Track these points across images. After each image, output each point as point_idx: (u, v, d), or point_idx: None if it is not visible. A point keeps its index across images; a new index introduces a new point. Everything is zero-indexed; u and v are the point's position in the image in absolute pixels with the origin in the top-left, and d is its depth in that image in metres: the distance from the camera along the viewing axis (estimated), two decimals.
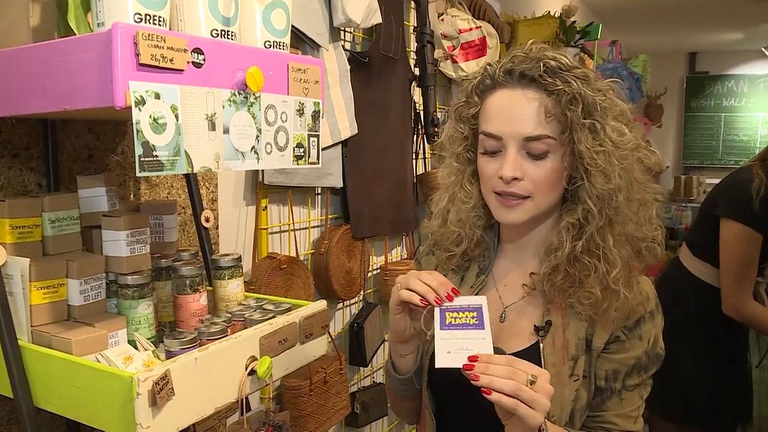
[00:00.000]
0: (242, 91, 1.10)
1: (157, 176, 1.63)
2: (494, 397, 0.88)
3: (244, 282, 1.95)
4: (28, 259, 1.11)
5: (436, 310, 1.00)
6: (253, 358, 1.17)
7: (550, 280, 1.07)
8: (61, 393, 1.07)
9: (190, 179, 1.56)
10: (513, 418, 0.91)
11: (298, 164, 1.26)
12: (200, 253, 1.53)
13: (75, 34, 1.02)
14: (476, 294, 1.15)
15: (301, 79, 1.24)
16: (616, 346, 1.07)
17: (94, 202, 1.32)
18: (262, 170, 1.96)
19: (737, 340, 2.33)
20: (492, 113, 1.06)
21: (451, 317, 0.99)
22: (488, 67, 1.10)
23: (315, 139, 1.30)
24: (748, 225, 2.13)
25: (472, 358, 0.91)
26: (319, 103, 1.30)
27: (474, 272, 1.18)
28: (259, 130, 1.15)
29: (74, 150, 1.42)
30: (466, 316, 0.99)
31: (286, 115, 1.21)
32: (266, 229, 2.05)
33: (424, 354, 1.17)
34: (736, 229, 2.15)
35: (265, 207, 2.04)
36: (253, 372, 1.16)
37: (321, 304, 1.37)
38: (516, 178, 1.02)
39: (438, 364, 0.95)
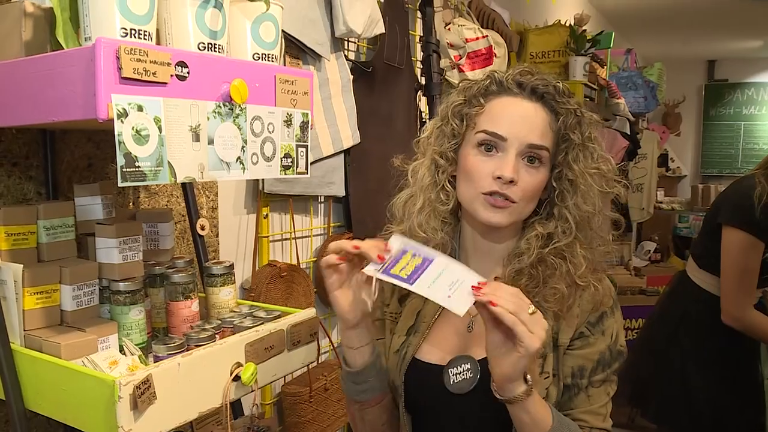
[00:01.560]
0: (227, 103, 1.13)
1: (156, 185, 1.67)
2: (498, 309, 0.88)
3: (245, 289, 1.99)
4: (21, 265, 1.15)
5: (381, 277, 0.97)
6: (238, 365, 1.19)
7: (514, 283, 1.08)
8: (49, 396, 1.10)
9: (187, 188, 1.60)
10: (505, 351, 0.92)
11: (285, 174, 1.28)
12: (195, 261, 1.56)
13: (64, 49, 1.05)
14: (441, 309, 1.16)
15: (288, 91, 1.27)
16: (580, 342, 1.09)
17: (90, 210, 1.36)
18: (262, 179, 1.99)
19: (746, 350, 2.31)
20: (499, 115, 1.09)
21: (399, 271, 0.96)
22: (495, 74, 1.13)
23: (303, 149, 1.32)
24: (749, 233, 2.11)
25: (477, 287, 0.92)
26: (307, 113, 1.32)
27: None
28: (245, 141, 1.17)
29: (73, 159, 1.46)
30: (407, 261, 0.97)
31: (273, 126, 1.24)
32: (267, 237, 2.08)
33: (396, 373, 1.17)
34: (738, 237, 2.14)
35: (266, 215, 2.07)
36: (237, 378, 1.18)
37: (309, 312, 1.39)
38: (512, 181, 1.05)
39: (462, 313, 0.92)
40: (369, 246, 1.00)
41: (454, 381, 1.08)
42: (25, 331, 1.16)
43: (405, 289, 0.96)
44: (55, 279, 1.20)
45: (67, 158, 1.45)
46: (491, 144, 1.08)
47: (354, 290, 1.05)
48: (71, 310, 1.21)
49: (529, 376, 0.97)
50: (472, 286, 0.92)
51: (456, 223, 1.19)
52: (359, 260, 1.02)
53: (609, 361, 1.11)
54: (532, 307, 0.91)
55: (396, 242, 1.00)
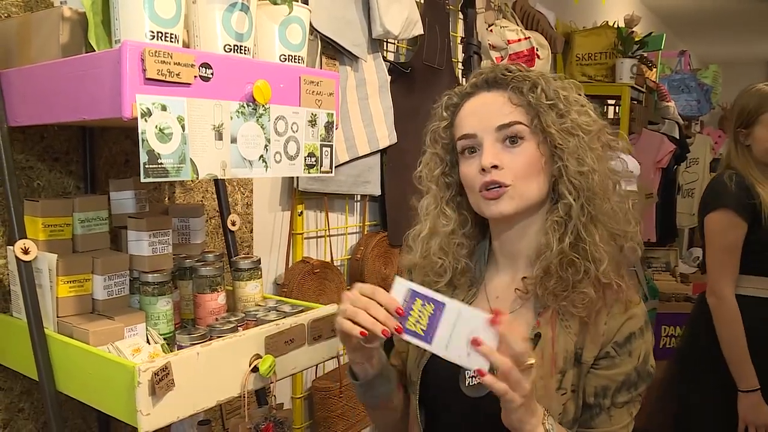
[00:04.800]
0: (251, 103, 1.17)
1: (191, 181, 1.73)
2: (487, 380, 0.90)
3: (278, 284, 2.04)
4: (56, 255, 1.21)
5: (406, 337, 0.97)
6: (257, 356, 1.23)
7: (543, 283, 1.08)
8: (78, 379, 1.16)
9: (219, 185, 1.65)
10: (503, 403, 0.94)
11: (309, 173, 1.32)
12: (226, 255, 1.61)
13: (96, 51, 1.11)
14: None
15: (313, 91, 1.30)
16: (606, 362, 1.07)
17: (125, 204, 1.42)
18: (297, 177, 2.04)
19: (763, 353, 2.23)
20: (463, 118, 1.13)
21: (413, 324, 0.96)
22: (455, 88, 1.18)
23: (328, 149, 1.36)
24: (728, 208, 2.16)
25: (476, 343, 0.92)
26: (332, 114, 1.35)
27: (465, 285, 1.19)
28: (268, 140, 1.21)
29: (111, 155, 1.53)
30: (418, 310, 0.96)
31: (297, 126, 1.27)
32: (301, 234, 2.12)
33: (414, 368, 1.19)
34: (718, 217, 2.19)
35: (301, 212, 2.11)
36: (256, 369, 1.22)
37: (331, 308, 1.42)
38: (495, 166, 1.06)
39: (472, 371, 0.94)
40: (384, 319, 0.97)
41: (469, 383, 1.09)
42: (58, 317, 1.23)
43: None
44: (88, 269, 1.26)
45: (105, 154, 1.52)
46: (471, 147, 1.11)
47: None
48: (102, 299, 1.27)
49: (549, 423, 0.98)
50: (472, 339, 0.92)
51: (477, 242, 1.21)
52: None
53: (635, 383, 1.09)
54: (531, 360, 0.91)
55: (400, 286, 0.98)
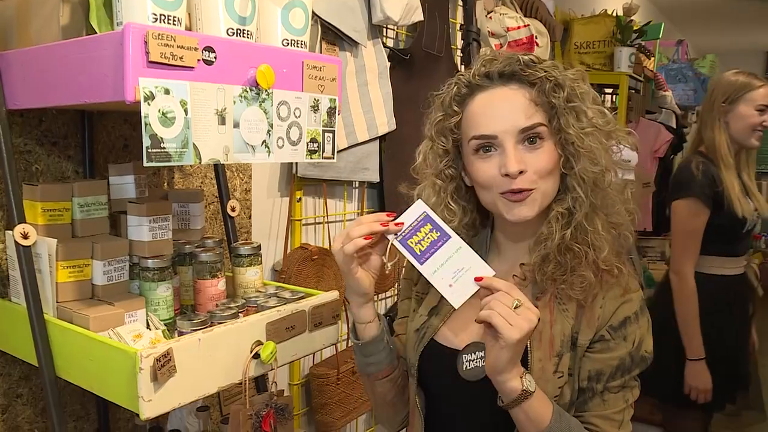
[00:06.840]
0: (254, 88, 1.16)
1: (190, 166, 1.71)
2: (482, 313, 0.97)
3: (276, 271, 2.03)
4: (56, 240, 1.20)
5: (397, 245, 1.03)
6: (259, 343, 1.22)
7: (542, 269, 1.08)
8: (78, 365, 1.15)
9: (218, 170, 1.64)
10: (493, 343, 0.97)
11: (311, 159, 1.31)
12: (225, 241, 1.60)
13: (97, 33, 1.09)
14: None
15: (316, 77, 1.29)
16: (600, 346, 1.07)
17: (124, 189, 1.41)
18: (296, 163, 2.03)
19: (715, 319, 2.41)
20: (479, 115, 1.08)
21: (415, 243, 1.03)
22: (461, 76, 1.12)
23: (330, 134, 1.35)
24: (693, 196, 2.32)
25: (477, 279, 1.01)
26: (335, 99, 1.34)
27: None
28: (271, 125, 1.20)
29: (110, 140, 1.51)
30: (425, 233, 1.03)
31: (299, 111, 1.26)
32: (300, 220, 2.11)
33: (412, 352, 1.19)
34: (683, 205, 2.35)
35: (300, 199, 2.10)
36: (257, 355, 1.21)
37: (332, 295, 1.41)
38: (522, 172, 1.04)
39: (457, 305, 1.02)
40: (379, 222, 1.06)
41: (466, 367, 1.09)
42: (57, 302, 1.22)
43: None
44: (87, 254, 1.25)
45: (104, 139, 1.50)
46: (486, 145, 1.07)
47: (370, 267, 1.10)
48: (102, 284, 1.26)
49: (527, 380, 0.99)
50: (475, 277, 1.01)
51: (476, 232, 1.20)
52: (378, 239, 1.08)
53: (629, 367, 1.09)
54: (518, 302, 0.96)
55: (418, 208, 1.05)
